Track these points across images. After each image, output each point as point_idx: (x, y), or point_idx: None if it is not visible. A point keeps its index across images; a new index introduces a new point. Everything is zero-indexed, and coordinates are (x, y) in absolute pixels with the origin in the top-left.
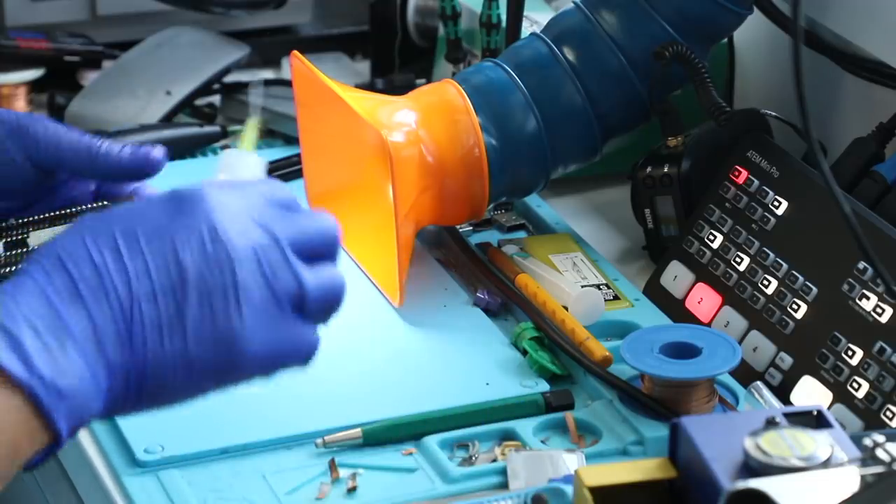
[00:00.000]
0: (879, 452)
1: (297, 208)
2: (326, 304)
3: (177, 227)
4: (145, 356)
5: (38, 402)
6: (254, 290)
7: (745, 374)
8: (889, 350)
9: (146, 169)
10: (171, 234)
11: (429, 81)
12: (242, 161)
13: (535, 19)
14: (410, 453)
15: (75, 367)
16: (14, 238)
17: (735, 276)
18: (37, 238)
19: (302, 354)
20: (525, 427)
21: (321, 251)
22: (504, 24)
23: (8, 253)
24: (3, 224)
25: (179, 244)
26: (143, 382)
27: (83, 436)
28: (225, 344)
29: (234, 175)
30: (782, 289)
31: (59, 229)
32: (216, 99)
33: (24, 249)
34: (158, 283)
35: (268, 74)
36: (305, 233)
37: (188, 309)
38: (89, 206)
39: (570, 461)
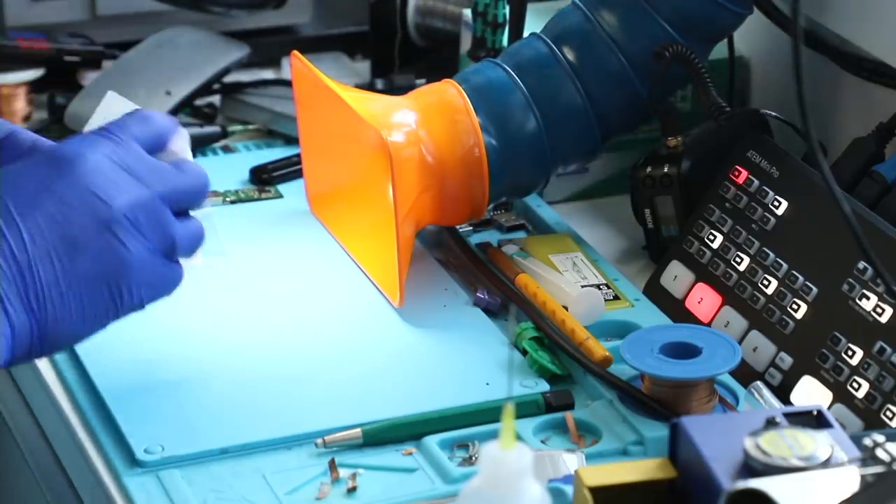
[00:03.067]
0: (879, 452)
1: (164, 151)
2: (191, 248)
3: (63, 190)
4: (45, 310)
5: None
6: (134, 244)
7: (745, 374)
8: (889, 350)
9: None
10: (59, 196)
11: (430, 81)
12: (120, 108)
13: None
14: (410, 453)
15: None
16: None
17: (735, 276)
18: None
19: (170, 289)
20: (525, 427)
21: (190, 203)
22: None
23: None
24: None
25: (67, 206)
26: (45, 332)
27: (83, 436)
28: (111, 292)
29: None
30: (782, 289)
31: None
32: (216, 99)
33: None
34: (52, 244)
35: (268, 74)
36: (177, 189)
37: (80, 266)
38: None
39: (570, 461)
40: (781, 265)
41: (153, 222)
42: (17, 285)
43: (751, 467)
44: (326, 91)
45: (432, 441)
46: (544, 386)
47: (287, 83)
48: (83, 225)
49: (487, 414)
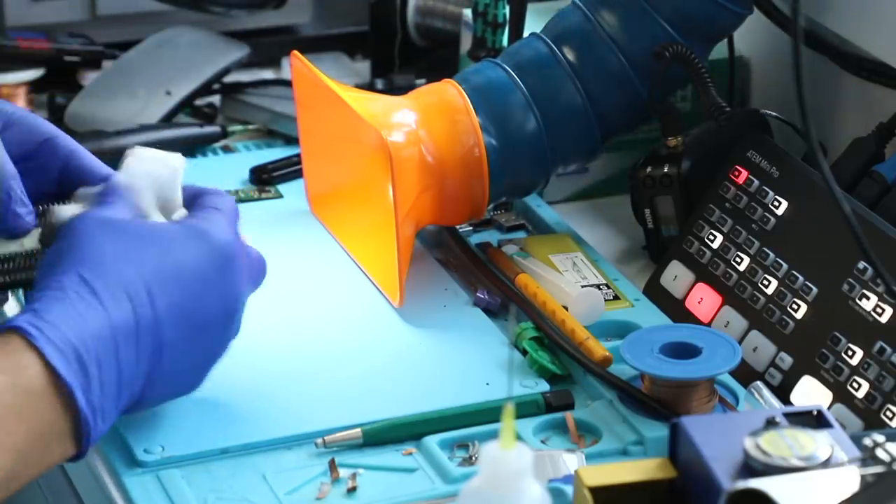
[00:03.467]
0: (879, 452)
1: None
2: None
3: (216, 289)
4: (154, 394)
5: (86, 430)
6: (233, 334)
7: (745, 374)
8: (889, 350)
9: (15, 232)
10: (210, 293)
11: (430, 81)
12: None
13: None
14: (410, 453)
15: (111, 399)
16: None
17: (735, 276)
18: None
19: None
20: (525, 427)
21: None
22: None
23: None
24: (44, 207)
25: (213, 304)
26: (137, 406)
27: None
28: (202, 375)
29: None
30: (782, 289)
31: (19, 243)
32: (216, 99)
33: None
34: (187, 332)
35: (268, 74)
36: (257, 284)
37: (196, 355)
38: (51, 204)
39: (570, 461)
40: (781, 265)
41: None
42: (152, 365)
43: (751, 467)
44: (326, 91)
45: (432, 441)
46: (544, 386)
47: (287, 83)
48: (217, 321)
49: (487, 414)
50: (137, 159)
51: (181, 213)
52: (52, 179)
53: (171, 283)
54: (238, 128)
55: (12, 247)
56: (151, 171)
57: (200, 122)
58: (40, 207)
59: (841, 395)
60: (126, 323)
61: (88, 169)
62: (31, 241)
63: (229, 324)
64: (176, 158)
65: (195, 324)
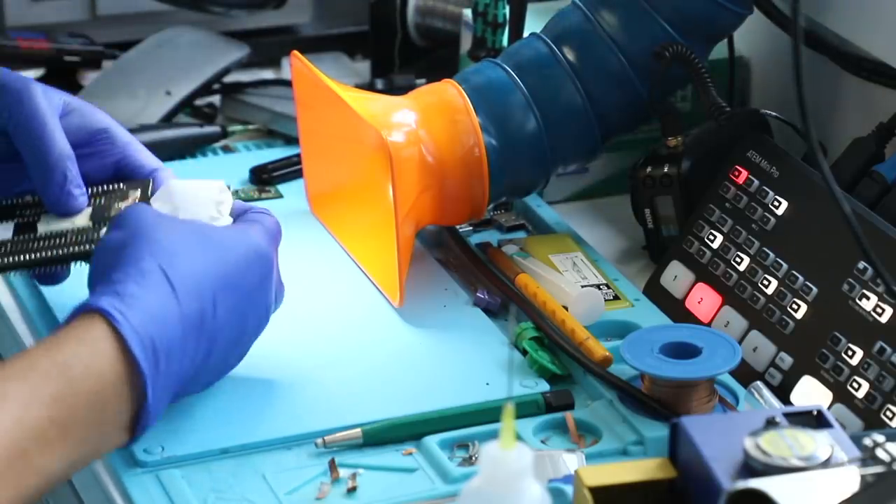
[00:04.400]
0: (879, 452)
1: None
2: None
3: (257, 299)
4: (186, 392)
5: (144, 422)
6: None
7: (745, 374)
8: (889, 350)
9: (68, 211)
10: (253, 302)
11: (430, 81)
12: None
13: None
14: (410, 453)
15: (169, 396)
16: (26, 220)
17: (735, 276)
18: (46, 225)
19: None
20: (525, 427)
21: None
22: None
23: (16, 237)
24: (18, 201)
25: (252, 313)
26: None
27: None
28: (225, 371)
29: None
30: (782, 289)
31: (71, 221)
32: (216, 99)
33: (32, 235)
34: (234, 336)
35: (268, 74)
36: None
37: (231, 358)
38: (102, 188)
39: (570, 461)
40: (781, 265)
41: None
42: (206, 358)
43: (751, 467)
44: (326, 91)
45: (432, 441)
46: (544, 386)
47: (287, 83)
48: (254, 325)
49: (487, 414)
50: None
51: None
52: (107, 167)
53: (230, 287)
54: (238, 128)
55: (64, 224)
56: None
57: (200, 122)
58: (91, 190)
59: (841, 395)
60: (193, 320)
61: (143, 162)
62: (82, 220)
63: (257, 334)
64: (218, 183)
65: (237, 332)
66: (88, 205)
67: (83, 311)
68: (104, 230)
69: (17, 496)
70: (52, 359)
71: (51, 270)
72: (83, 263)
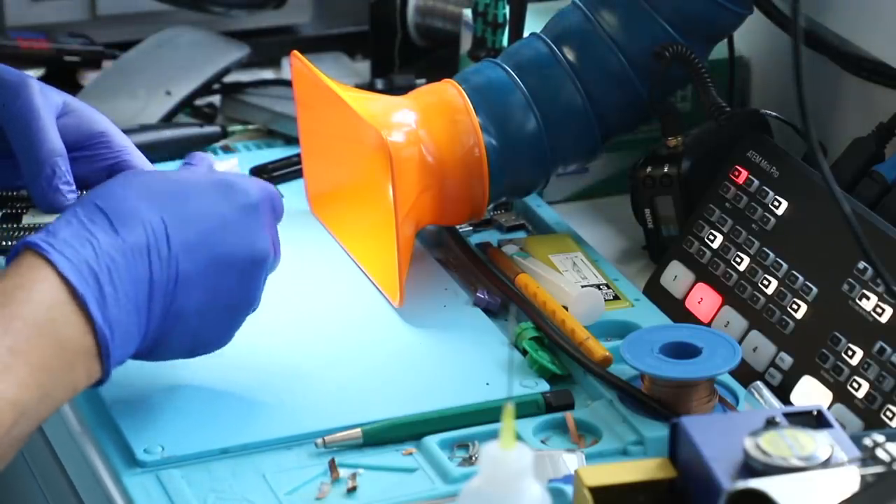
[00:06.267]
0: (879, 452)
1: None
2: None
3: (237, 234)
4: (178, 335)
5: (105, 348)
6: (258, 293)
7: (745, 374)
8: (889, 350)
9: (53, 206)
10: (230, 237)
11: (430, 81)
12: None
13: None
14: (410, 453)
15: (131, 320)
16: (13, 211)
17: (735, 276)
18: (31, 218)
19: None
20: (525, 427)
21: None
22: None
23: (1, 226)
24: (13, 194)
25: (232, 247)
26: (163, 349)
27: (83, 436)
28: (227, 329)
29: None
30: (782, 289)
31: (55, 217)
32: (216, 99)
33: (16, 225)
34: (204, 268)
35: (268, 74)
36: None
37: (221, 292)
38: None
39: (570, 461)
40: (781, 265)
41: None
42: (166, 284)
43: (751, 467)
44: (326, 91)
45: (432, 441)
46: (544, 386)
47: (287, 83)
48: (240, 259)
49: (487, 414)
50: None
51: None
52: (101, 170)
53: (188, 220)
54: (238, 128)
55: (49, 220)
56: None
57: (200, 122)
58: (82, 192)
59: (841, 395)
60: (137, 243)
61: (137, 167)
62: None
63: (250, 276)
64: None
65: (214, 263)
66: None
67: (16, 252)
68: None
69: None
70: None
71: None
72: None
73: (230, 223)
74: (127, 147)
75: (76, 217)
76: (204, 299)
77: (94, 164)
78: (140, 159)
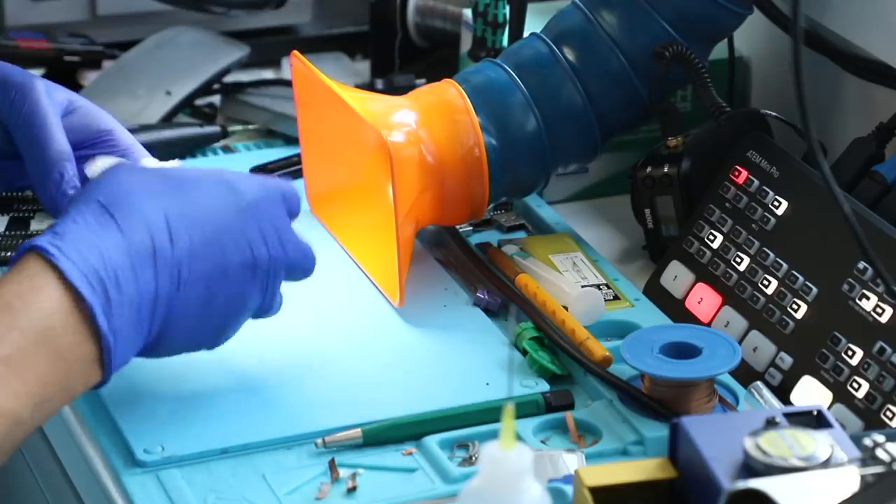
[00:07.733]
0: (879, 452)
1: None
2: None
3: (235, 236)
4: (175, 336)
5: (107, 354)
6: (256, 297)
7: (745, 374)
8: (889, 350)
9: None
10: (230, 239)
11: (430, 81)
12: None
13: None
14: (410, 453)
15: (133, 325)
16: (22, 215)
17: (735, 276)
18: (39, 223)
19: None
20: (525, 427)
21: (293, 277)
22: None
23: (8, 232)
24: (18, 195)
25: (231, 250)
26: (158, 348)
27: (83, 436)
28: (218, 332)
29: None
30: (782, 289)
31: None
32: (216, 99)
33: (24, 231)
34: (206, 272)
35: (268, 74)
36: (293, 257)
37: (219, 297)
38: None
39: (570, 461)
40: (781, 265)
41: (274, 283)
42: (170, 292)
43: (751, 467)
44: (326, 91)
45: (432, 441)
46: (544, 386)
47: (287, 83)
48: (238, 266)
49: (487, 414)
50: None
51: None
52: None
53: (191, 221)
54: (238, 128)
55: None
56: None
57: (200, 122)
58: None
59: (841, 395)
60: (143, 247)
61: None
62: None
63: (250, 277)
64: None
65: (215, 266)
66: None
67: (21, 254)
68: None
69: None
70: None
71: None
72: None
73: (230, 224)
74: (132, 145)
75: (82, 217)
76: (204, 302)
77: None
78: (145, 158)
